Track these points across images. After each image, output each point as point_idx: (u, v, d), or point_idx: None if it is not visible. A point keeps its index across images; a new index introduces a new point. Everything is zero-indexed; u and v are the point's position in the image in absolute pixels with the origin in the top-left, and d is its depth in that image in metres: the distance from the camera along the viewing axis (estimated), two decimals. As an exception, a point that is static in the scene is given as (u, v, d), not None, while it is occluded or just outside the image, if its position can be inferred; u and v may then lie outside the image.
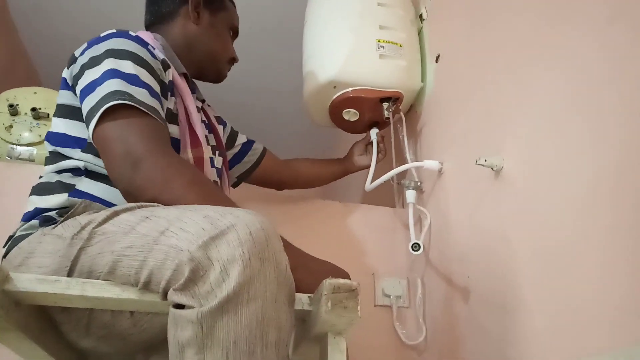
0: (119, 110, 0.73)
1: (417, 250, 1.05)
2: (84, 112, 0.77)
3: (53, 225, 0.71)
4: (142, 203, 0.68)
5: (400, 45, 1.32)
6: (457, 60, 1.21)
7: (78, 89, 0.80)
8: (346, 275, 0.83)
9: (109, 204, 0.75)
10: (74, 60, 0.86)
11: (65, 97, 0.85)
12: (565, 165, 0.76)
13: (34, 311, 0.66)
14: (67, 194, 0.76)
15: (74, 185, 0.78)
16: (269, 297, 0.55)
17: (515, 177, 0.88)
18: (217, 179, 0.96)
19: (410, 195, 1.26)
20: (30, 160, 1.37)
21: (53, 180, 0.80)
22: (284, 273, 0.58)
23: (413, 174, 1.31)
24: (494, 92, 1.00)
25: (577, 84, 0.75)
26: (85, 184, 0.78)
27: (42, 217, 0.75)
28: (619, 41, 0.67)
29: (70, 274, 0.64)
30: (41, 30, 1.93)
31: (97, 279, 0.62)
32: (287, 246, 0.68)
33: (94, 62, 0.80)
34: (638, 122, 0.62)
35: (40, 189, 0.80)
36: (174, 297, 0.56)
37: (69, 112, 0.84)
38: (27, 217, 0.77)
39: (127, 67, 0.79)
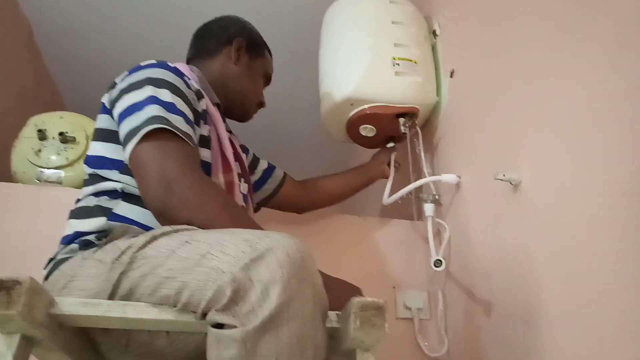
0: (156, 134, 0.77)
1: (440, 267, 1.07)
2: (122, 134, 0.81)
3: (94, 250, 0.74)
4: (178, 227, 0.71)
5: (415, 62, 1.35)
6: (472, 76, 1.23)
7: (116, 112, 0.85)
8: (359, 291, 0.87)
9: (145, 227, 0.79)
10: (113, 86, 0.91)
11: (104, 122, 0.89)
12: (583, 180, 0.78)
13: (77, 332, 0.70)
14: (105, 218, 0.80)
15: (111, 209, 0.82)
16: (307, 316, 0.58)
17: (534, 192, 0.90)
18: (243, 204, 0.99)
19: (428, 208, 1.28)
20: (58, 182, 1.42)
21: (92, 205, 0.83)
22: (319, 292, 0.61)
23: (431, 187, 1.33)
24: (510, 109, 1.02)
25: (590, 104, 0.77)
26: (122, 208, 0.82)
27: (81, 241, 0.78)
28: (626, 67, 0.69)
29: (111, 297, 0.67)
30: (65, 54, 1.99)
31: (138, 301, 0.65)
32: None
33: (133, 87, 0.84)
34: None
35: (79, 213, 0.84)
36: (216, 317, 0.59)
37: (107, 135, 0.88)
38: (67, 240, 0.81)
39: (165, 95, 0.83)
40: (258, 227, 0.74)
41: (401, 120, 1.34)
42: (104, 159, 0.86)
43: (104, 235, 0.76)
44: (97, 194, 0.85)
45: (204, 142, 0.89)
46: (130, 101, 0.82)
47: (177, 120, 0.80)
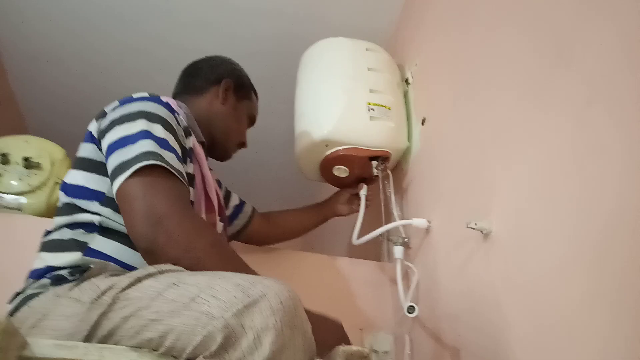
0: (148, 170, 0.76)
1: (412, 313, 1.08)
2: (112, 165, 0.79)
3: (68, 286, 0.72)
4: (163, 268, 0.70)
5: (389, 108, 1.39)
6: (442, 123, 1.28)
7: (105, 142, 0.83)
8: (341, 328, 0.89)
9: (123, 264, 0.77)
10: (103, 115, 0.89)
11: (88, 151, 0.87)
12: (552, 230, 0.82)
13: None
14: (80, 253, 0.77)
15: (87, 243, 0.79)
16: None
17: (504, 241, 0.94)
18: None
19: (398, 251, 1.30)
20: (18, 209, 1.36)
21: (66, 237, 0.81)
22: (309, 340, 0.61)
23: (400, 230, 1.36)
24: (479, 156, 1.06)
25: (558, 157, 0.81)
26: (98, 242, 0.79)
27: (53, 276, 0.75)
28: (597, 122, 0.74)
29: (88, 338, 0.64)
30: (32, 77, 1.94)
31: (117, 344, 0.63)
32: None
33: (126, 119, 0.84)
34: (618, 192, 0.68)
35: (52, 246, 0.81)
36: None
37: (90, 165, 0.86)
38: (37, 274, 0.78)
39: (158, 130, 0.83)
40: (248, 268, 0.73)
41: (374, 163, 1.37)
42: (84, 189, 0.84)
43: (78, 272, 0.74)
44: (71, 226, 0.82)
45: (189, 180, 0.89)
46: (122, 133, 0.81)
47: (169, 157, 0.80)
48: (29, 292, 0.75)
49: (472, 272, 1.03)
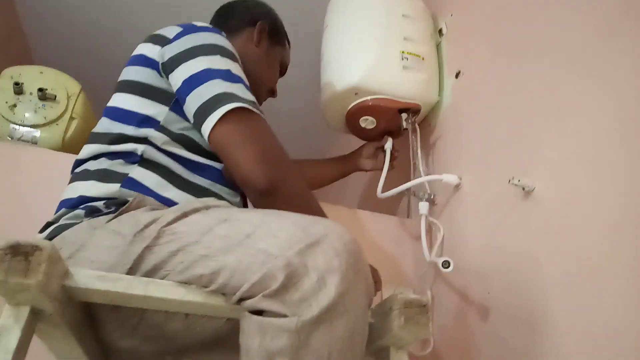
0: (239, 112, 0.74)
1: (448, 268, 1.06)
2: (195, 104, 0.76)
3: (105, 219, 0.68)
4: (210, 204, 0.66)
5: (423, 58, 1.34)
6: (479, 78, 1.23)
7: (179, 74, 0.79)
8: (378, 275, 0.92)
9: (164, 199, 0.73)
10: (166, 41, 0.84)
11: (145, 75, 0.83)
12: (599, 191, 0.79)
13: (80, 307, 0.64)
14: (119, 184, 0.73)
15: (127, 173, 0.75)
16: (360, 310, 0.55)
17: (547, 199, 0.91)
18: None
19: (423, 207, 1.27)
20: (33, 142, 1.31)
21: (103, 167, 0.76)
22: (370, 285, 0.58)
23: (426, 186, 1.33)
24: (520, 115, 1.02)
25: (607, 118, 0.78)
26: (139, 173, 0.75)
27: (88, 207, 0.71)
28: None
29: (130, 272, 0.61)
30: (39, 9, 1.85)
31: (163, 279, 0.60)
32: None
33: (201, 51, 0.80)
34: None
35: (87, 175, 0.76)
36: (262, 303, 0.54)
37: (146, 90, 0.82)
38: (70, 204, 0.73)
39: (235, 68, 0.81)
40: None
41: (403, 115, 1.32)
42: (137, 114, 0.80)
43: (115, 204, 0.70)
44: (110, 155, 0.78)
45: None
46: (201, 66, 0.78)
47: (243, 91, 0.77)
48: (63, 222, 0.71)
49: (508, 231, 1.00)
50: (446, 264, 1.05)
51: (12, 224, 1.09)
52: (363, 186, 1.61)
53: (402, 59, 1.30)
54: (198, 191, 0.78)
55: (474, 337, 1.06)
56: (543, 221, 0.91)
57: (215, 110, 0.73)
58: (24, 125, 1.30)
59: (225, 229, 0.60)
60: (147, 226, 0.63)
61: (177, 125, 0.80)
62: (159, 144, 0.77)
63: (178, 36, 0.84)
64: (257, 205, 0.72)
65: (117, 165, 0.76)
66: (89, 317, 0.67)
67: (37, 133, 1.32)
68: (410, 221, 1.42)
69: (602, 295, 0.75)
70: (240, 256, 0.57)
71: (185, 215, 0.64)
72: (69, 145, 1.35)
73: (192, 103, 0.76)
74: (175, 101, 0.81)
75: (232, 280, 0.57)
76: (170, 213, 0.64)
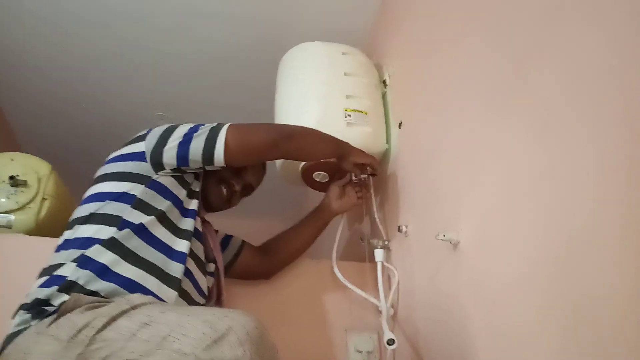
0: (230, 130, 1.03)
1: (392, 345, 1.09)
2: (197, 150, 0.99)
3: (47, 322, 0.76)
4: (136, 303, 0.74)
5: (366, 113, 1.41)
6: (417, 129, 1.30)
7: (172, 139, 1.01)
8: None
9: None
10: (137, 138, 1.05)
11: (127, 167, 0.99)
12: (514, 244, 0.84)
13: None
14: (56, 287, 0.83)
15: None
16: None
17: (471, 252, 0.97)
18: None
19: (379, 254, 1.34)
20: (8, 227, 1.40)
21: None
22: None
23: (382, 233, 1.39)
24: (449, 166, 1.08)
25: (523, 171, 0.83)
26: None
27: (35, 310, 0.80)
28: (559, 138, 0.75)
29: None
30: (19, 90, 1.95)
31: (94, 383, 0.68)
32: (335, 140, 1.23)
33: (172, 128, 1.05)
34: (580, 209, 0.70)
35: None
36: None
37: (127, 177, 0.97)
38: (25, 307, 0.84)
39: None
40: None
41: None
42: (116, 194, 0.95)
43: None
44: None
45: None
46: (182, 131, 1.02)
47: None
48: (14, 329, 0.80)
49: (441, 282, 1.06)
50: (390, 342, 1.09)
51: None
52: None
53: (345, 116, 1.38)
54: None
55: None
56: (468, 274, 0.97)
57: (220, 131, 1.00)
58: (-1, 212, 1.39)
59: (146, 333, 0.69)
60: (80, 331, 0.71)
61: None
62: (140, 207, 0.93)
63: (144, 134, 1.03)
64: (288, 147, 1.12)
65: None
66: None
67: (11, 217, 1.41)
68: (371, 265, 1.47)
69: (516, 344, 0.81)
70: (159, 357, 0.65)
71: (113, 319, 0.72)
72: (43, 225, 1.44)
73: (196, 145, 1.00)
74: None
75: None
76: (100, 318, 0.72)
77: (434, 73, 1.22)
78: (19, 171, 1.43)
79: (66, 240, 0.90)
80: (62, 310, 0.76)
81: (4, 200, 1.41)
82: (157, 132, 1.02)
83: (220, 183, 1.17)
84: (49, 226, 1.46)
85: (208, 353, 0.62)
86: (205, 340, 0.63)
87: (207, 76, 1.94)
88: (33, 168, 1.46)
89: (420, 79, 1.31)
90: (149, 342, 0.67)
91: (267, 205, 2.22)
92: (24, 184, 1.42)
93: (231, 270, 1.28)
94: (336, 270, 1.36)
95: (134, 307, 0.73)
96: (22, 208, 1.41)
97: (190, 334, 0.65)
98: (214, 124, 1.04)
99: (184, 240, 0.92)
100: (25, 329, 0.78)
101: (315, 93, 1.41)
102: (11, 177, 1.40)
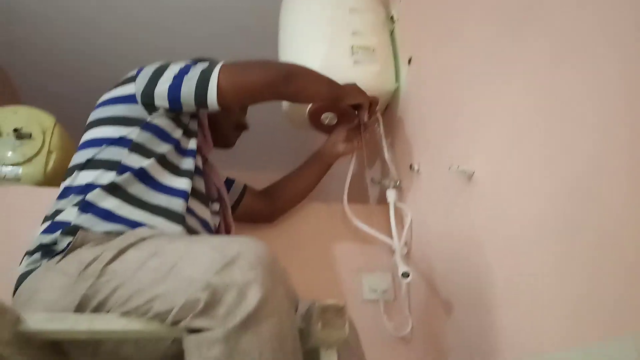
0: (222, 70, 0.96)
1: (407, 278, 1.08)
2: (189, 95, 0.93)
3: (56, 259, 0.75)
4: (145, 235, 0.74)
5: (373, 50, 1.36)
6: (428, 64, 1.26)
7: (163, 81, 0.94)
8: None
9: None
10: (128, 79, 0.99)
11: (121, 110, 0.95)
12: (529, 174, 0.82)
13: (45, 343, 0.71)
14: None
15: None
16: (284, 312, 0.62)
17: (485, 184, 0.94)
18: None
19: (391, 194, 1.31)
20: (17, 180, 1.39)
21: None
22: (291, 290, 0.65)
23: (393, 173, 1.37)
24: (462, 98, 1.05)
25: (538, 98, 0.80)
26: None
27: (43, 250, 0.80)
28: (591, 55, 0.71)
29: (80, 308, 0.68)
30: (16, 43, 1.91)
31: (108, 311, 0.67)
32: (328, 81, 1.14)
33: (163, 67, 0.98)
34: (601, 130, 0.67)
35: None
36: (193, 322, 0.61)
37: (121, 120, 0.94)
38: (31, 250, 0.83)
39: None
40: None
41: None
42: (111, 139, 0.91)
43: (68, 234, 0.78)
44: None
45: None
46: (172, 72, 0.95)
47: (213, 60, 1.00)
48: (25, 269, 0.80)
49: (456, 214, 1.04)
50: (405, 275, 1.08)
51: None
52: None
53: (353, 53, 1.33)
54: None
55: (440, 319, 1.11)
56: (482, 204, 0.95)
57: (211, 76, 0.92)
58: (6, 165, 1.38)
59: (155, 262, 0.68)
60: (89, 265, 0.70)
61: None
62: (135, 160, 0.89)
63: (135, 74, 0.98)
64: (286, 89, 1.04)
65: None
66: (59, 348, 0.75)
67: (19, 170, 1.40)
68: (382, 207, 1.44)
69: (532, 274, 0.79)
70: (168, 285, 0.65)
71: (121, 252, 0.71)
72: (52, 178, 1.42)
73: (188, 84, 0.93)
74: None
75: (163, 307, 0.64)
76: (109, 251, 0.72)
77: (446, 2, 1.17)
78: (23, 124, 1.41)
79: (66, 187, 0.88)
80: (71, 247, 0.75)
81: (10, 153, 1.40)
82: (147, 72, 0.96)
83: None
84: (58, 179, 1.45)
85: (219, 277, 0.62)
86: (215, 266, 0.63)
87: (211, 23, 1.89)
88: (37, 120, 1.43)
89: (430, 11, 1.25)
90: (158, 271, 0.66)
91: (268, 157, 2.20)
92: (28, 136, 1.40)
93: (234, 214, 1.26)
94: (348, 212, 1.34)
95: (142, 239, 0.72)
96: (28, 160, 1.40)
97: (199, 260, 0.64)
98: (205, 65, 0.96)
99: (185, 178, 0.90)
100: (36, 268, 0.77)
101: (320, 30, 1.35)
102: (15, 130, 1.38)
